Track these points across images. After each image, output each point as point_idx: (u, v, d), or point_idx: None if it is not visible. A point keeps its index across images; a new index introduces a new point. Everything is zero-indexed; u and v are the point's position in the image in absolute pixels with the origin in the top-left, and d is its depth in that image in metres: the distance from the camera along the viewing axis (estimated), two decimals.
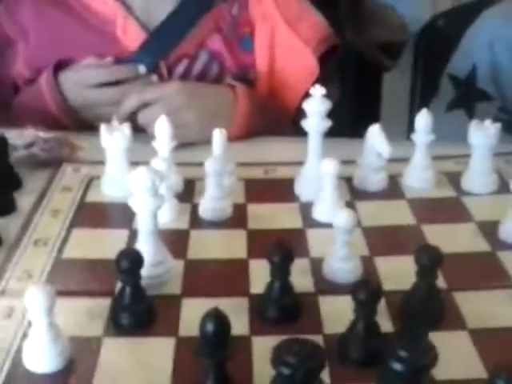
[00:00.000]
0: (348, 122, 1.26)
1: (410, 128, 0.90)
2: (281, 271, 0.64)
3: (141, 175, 0.65)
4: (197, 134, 0.96)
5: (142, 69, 1.06)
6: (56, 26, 1.08)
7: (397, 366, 0.42)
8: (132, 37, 1.07)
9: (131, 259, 0.62)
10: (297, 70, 1.10)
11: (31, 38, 1.09)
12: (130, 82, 1.05)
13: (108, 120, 0.89)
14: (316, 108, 0.83)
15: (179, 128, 0.94)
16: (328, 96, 1.13)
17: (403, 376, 0.43)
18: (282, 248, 0.64)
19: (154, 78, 1.06)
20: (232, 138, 0.95)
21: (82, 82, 1.04)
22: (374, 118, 1.51)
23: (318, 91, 0.83)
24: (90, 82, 1.04)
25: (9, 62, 1.11)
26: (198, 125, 0.98)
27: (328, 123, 0.84)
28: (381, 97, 1.61)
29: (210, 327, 0.50)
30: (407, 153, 0.90)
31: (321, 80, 1.05)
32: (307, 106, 0.83)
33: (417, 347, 0.43)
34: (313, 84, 0.85)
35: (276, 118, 1.07)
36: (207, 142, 0.87)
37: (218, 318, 0.51)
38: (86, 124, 1.04)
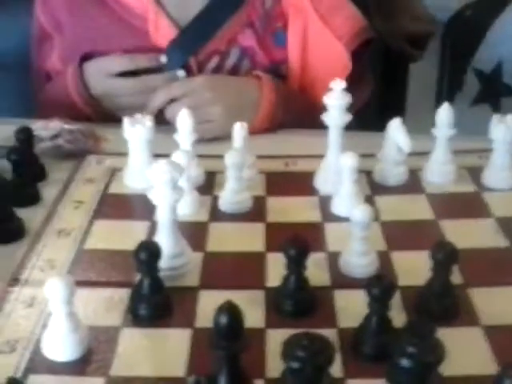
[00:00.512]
0: (374, 115, 1.26)
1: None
2: (296, 265, 0.65)
3: (160, 168, 0.67)
4: (222, 129, 0.97)
5: (181, 73, 1.06)
6: (89, 20, 1.09)
7: (405, 362, 0.43)
8: (163, 33, 1.07)
9: (150, 251, 0.64)
10: (329, 65, 1.08)
11: (66, 32, 1.10)
12: (153, 73, 1.06)
13: (129, 110, 0.90)
14: (336, 101, 0.83)
15: (205, 123, 0.97)
16: (361, 91, 1.14)
17: (411, 372, 0.43)
18: (298, 242, 0.65)
19: (181, 72, 1.06)
20: (256, 131, 0.96)
21: (104, 69, 1.05)
22: (400, 110, 1.50)
23: (339, 85, 0.83)
24: (113, 70, 1.04)
25: (45, 55, 1.13)
26: (224, 120, 0.98)
27: (348, 117, 0.84)
28: (407, 89, 1.60)
29: (223, 320, 0.51)
30: (429, 147, 0.90)
31: (354, 75, 1.06)
32: (327, 99, 0.83)
33: (425, 344, 0.43)
34: (346, 79, 0.85)
35: (304, 110, 1.07)
36: (231, 136, 0.88)
37: (231, 312, 0.52)
38: (108, 114, 1.05)
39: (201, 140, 0.87)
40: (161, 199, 0.68)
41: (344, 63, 1.06)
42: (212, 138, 0.97)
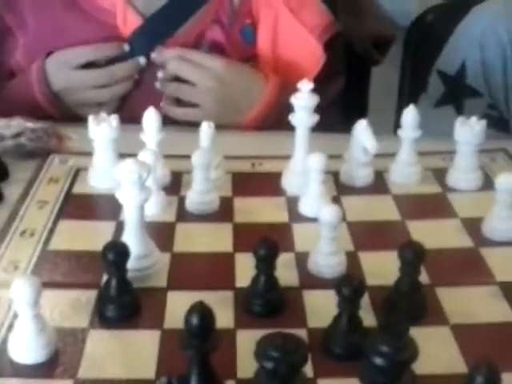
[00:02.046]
0: (337, 115, 1.26)
1: (398, 124, 0.91)
2: (266, 265, 0.65)
3: (128, 168, 0.66)
4: (209, 118, 0.95)
5: (142, 60, 1.05)
6: (54, 16, 1.08)
7: (378, 361, 0.43)
8: (132, 26, 1.06)
9: (118, 251, 0.63)
10: (302, 58, 1.09)
11: (30, 30, 1.08)
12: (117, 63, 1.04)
13: (92, 106, 0.89)
14: (303, 102, 0.83)
15: (195, 106, 0.99)
16: (333, 85, 1.15)
17: (384, 370, 0.44)
18: (268, 242, 0.65)
19: (142, 59, 1.05)
20: (243, 129, 0.98)
21: (66, 62, 1.04)
22: (362, 112, 1.51)
23: (306, 86, 0.83)
24: (75, 62, 1.03)
25: (9, 52, 1.10)
26: (213, 109, 1.00)
27: (315, 118, 0.84)
28: (369, 92, 1.62)
29: (194, 320, 0.51)
30: (394, 148, 0.90)
31: (326, 69, 1.06)
32: (295, 100, 0.84)
33: (398, 342, 0.44)
34: (319, 74, 0.85)
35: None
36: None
37: (202, 312, 0.51)
38: (71, 113, 1.04)
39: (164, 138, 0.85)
40: (128, 199, 0.67)
41: (317, 56, 1.07)
42: (191, 122, 0.98)
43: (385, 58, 1.48)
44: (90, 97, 1.03)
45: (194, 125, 0.97)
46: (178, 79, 1.05)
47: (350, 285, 0.59)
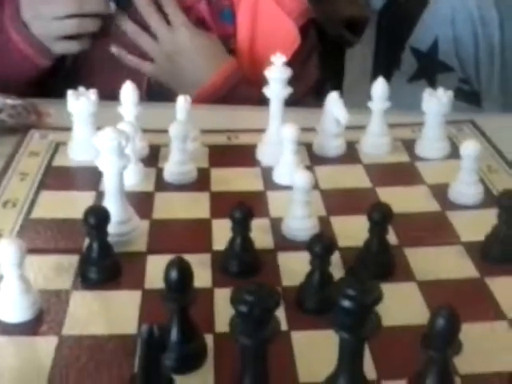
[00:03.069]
0: (312, 103, 1.29)
1: None
2: (241, 228, 0.68)
3: (107, 135, 0.68)
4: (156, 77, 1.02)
5: (112, 5, 1.07)
6: None
7: (346, 303, 0.46)
8: None
9: (98, 215, 0.65)
10: (279, 40, 1.11)
11: None
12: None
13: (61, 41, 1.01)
14: (277, 75, 0.86)
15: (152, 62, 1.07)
16: (308, 75, 1.17)
17: (351, 312, 0.47)
18: (242, 206, 0.67)
19: (112, 5, 1.08)
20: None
21: (45, 15, 1.05)
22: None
23: (279, 59, 0.86)
24: (58, 15, 1.04)
25: None
26: (162, 74, 1.08)
27: (288, 90, 0.87)
28: (343, 73, 1.64)
29: (173, 274, 0.54)
30: (365, 122, 0.94)
31: (300, 58, 1.09)
32: (269, 73, 0.86)
33: (363, 286, 0.47)
34: (293, 62, 0.87)
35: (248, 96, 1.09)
36: None
37: (181, 265, 0.54)
38: (43, 48, 1.06)
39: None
40: (108, 166, 0.70)
41: (293, 38, 1.09)
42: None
43: (359, 40, 1.51)
44: (59, 27, 1.05)
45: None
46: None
47: (320, 242, 0.62)
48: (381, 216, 0.67)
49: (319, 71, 1.25)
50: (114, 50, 1.09)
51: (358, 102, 1.05)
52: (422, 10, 1.46)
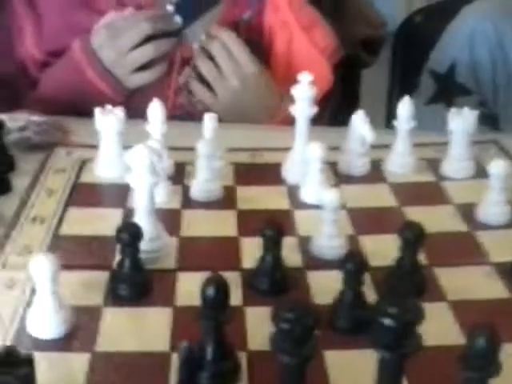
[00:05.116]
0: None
1: (388, 125, 0.94)
2: (272, 245, 0.68)
3: (140, 153, 0.68)
4: (219, 112, 0.97)
5: (178, 19, 1.07)
6: (75, 19, 1.09)
7: (387, 322, 0.46)
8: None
9: (132, 232, 0.65)
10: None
11: (45, 24, 1.09)
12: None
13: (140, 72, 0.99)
14: (304, 93, 0.86)
15: (208, 99, 1.06)
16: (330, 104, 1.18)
17: (392, 330, 0.47)
18: (274, 223, 0.68)
19: (179, 19, 1.07)
20: None
21: (122, 49, 1.04)
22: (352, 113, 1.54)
23: (306, 77, 0.86)
24: (134, 43, 1.03)
25: (18, 43, 1.11)
26: (227, 110, 1.05)
27: (314, 109, 0.87)
28: (359, 94, 1.65)
29: (210, 291, 0.54)
30: (387, 141, 0.94)
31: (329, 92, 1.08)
32: (295, 92, 0.87)
33: (404, 304, 0.47)
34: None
35: None
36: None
37: (218, 282, 0.54)
38: (121, 87, 1.06)
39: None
40: (140, 183, 0.70)
41: (326, 77, 1.08)
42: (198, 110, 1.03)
43: (375, 60, 1.51)
44: (137, 56, 1.04)
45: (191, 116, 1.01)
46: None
47: (354, 260, 0.62)
48: (414, 235, 0.66)
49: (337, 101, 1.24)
50: (186, 72, 1.08)
51: (373, 122, 1.06)
52: (440, 31, 1.47)
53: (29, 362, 0.47)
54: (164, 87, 1.09)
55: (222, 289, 0.54)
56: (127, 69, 1.05)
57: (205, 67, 1.07)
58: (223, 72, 1.05)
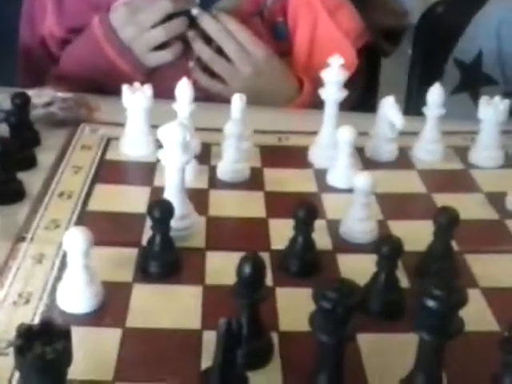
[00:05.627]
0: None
1: (408, 112, 0.92)
2: (304, 226, 0.67)
3: (172, 130, 0.68)
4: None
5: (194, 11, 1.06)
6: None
7: (431, 304, 0.45)
8: None
9: (164, 209, 0.65)
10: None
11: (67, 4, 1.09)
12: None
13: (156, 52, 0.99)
14: (333, 77, 0.85)
15: (222, 82, 1.04)
16: (355, 89, 1.16)
17: (437, 313, 0.46)
18: (307, 204, 0.67)
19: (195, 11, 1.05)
20: None
21: (141, 26, 1.03)
22: (372, 104, 1.53)
23: (336, 61, 0.85)
24: (150, 23, 1.03)
25: (39, 20, 1.11)
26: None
27: (344, 93, 0.86)
28: (378, 82, 1.63)
29: (247, 269, 0.53)
30: (414, 128, 0.92)
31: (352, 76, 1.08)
32: (325, 75, 0.86)
33: (450, 286, 0.46)
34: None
35: None
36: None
37: (255, 261, 0.53)
38: (139, 64, 1.05)
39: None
40: (171, 160, 0.69)
41: (351, 60, 1.06)
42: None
43: (396, 49, 1.50)
44: (157, 34, 1.03)
45: (211, 99, 1.01)
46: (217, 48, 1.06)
47: (389, 244, 0.61)
48: (448, 220, 0.66)
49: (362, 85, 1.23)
50: (191, 65, 1.07)
51: None
52: (465, 20, 1.46)
53: (66, 334, 0.47)
54: (184, 68, 1.08)
55: (259, 267, 0.53)
56: (146, 46, 1.04)
57: (211, 58, 1.05)
58: (234, 62, 1.04)
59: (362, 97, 1.40)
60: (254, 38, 1.05)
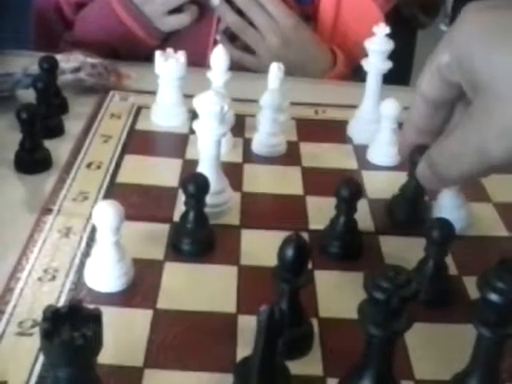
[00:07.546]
0: None
1: None
2: (347, 206, 0.63)
3: (209, 99, 0.63)
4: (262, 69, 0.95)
5: None
6: None
7: (493, 297, 0.42)
8: None
9: (199, 183, 0.61)
10: (361, 26, 1.03)
11: None
12: None
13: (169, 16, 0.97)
14: (378, 47, 0.80)
15: (249, 62, 1.02)
16: None
17: (499, 308, 0.42)
18: (351, 182, 0.63)
19: None
20: None
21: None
22: (405, 78, 1.48)
23: (382, 30, 0.80)
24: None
25: None
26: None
27: (389, 64, 0.82)
28: (414, 55, 1.58)
29: (290, 252, 0.49)
30: None
31: None
32: (369, 44, 0.81)
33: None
34: None
35: None
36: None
37: (298, 243, 0.49)
38: (151, 27, 1.02)
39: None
40: (207, 132, 0.65)
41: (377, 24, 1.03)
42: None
43: (432, 22, 1.44)
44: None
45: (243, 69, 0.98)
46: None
47: (440, 229, 0.57)
48: None
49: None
50: (218, 37, 1.04)
51: None
52: None
53: (97, 319, 0.43)
54: (204, 35, 1.05)
55: (302, 251, 0.50)
56: (160, 8, 1.01)
57: (239, 26, 1.02)
58: (261, 31, 1.01)
59: (396, 72, 1.35)
60: (283, 6, 1.01)
